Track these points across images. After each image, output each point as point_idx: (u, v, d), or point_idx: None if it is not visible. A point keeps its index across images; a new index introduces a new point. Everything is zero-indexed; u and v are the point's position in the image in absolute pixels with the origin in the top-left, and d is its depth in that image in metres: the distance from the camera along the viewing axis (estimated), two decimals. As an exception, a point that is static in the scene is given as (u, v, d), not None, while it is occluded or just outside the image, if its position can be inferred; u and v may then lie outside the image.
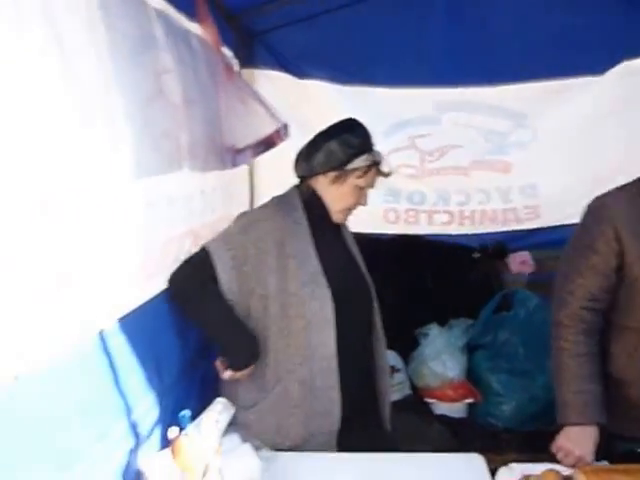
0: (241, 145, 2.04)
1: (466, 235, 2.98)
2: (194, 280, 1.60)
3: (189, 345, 1.76)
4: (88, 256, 1.10)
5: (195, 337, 1.79)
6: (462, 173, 2.92)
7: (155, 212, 1.45)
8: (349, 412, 1.63)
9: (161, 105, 1.48)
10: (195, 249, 1.67)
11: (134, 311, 1.36)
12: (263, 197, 2.14)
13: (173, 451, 1.31)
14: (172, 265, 1.61)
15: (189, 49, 1.75)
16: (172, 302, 1.61)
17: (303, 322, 1.58)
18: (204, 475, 1.35)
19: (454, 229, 2.98)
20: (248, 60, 2.66)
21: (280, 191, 1.74)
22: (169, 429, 1.29)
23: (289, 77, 2.77)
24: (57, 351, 1.01)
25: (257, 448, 1.55)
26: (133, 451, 1.35)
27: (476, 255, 2.99)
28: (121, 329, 1.28)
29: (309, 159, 1.65)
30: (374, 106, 2.76)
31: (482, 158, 2.90)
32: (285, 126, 2.08)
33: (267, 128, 2.02)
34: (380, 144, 1.73)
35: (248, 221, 1.65)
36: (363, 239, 1.94)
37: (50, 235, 0.97)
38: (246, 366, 1.61)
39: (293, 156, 1.71)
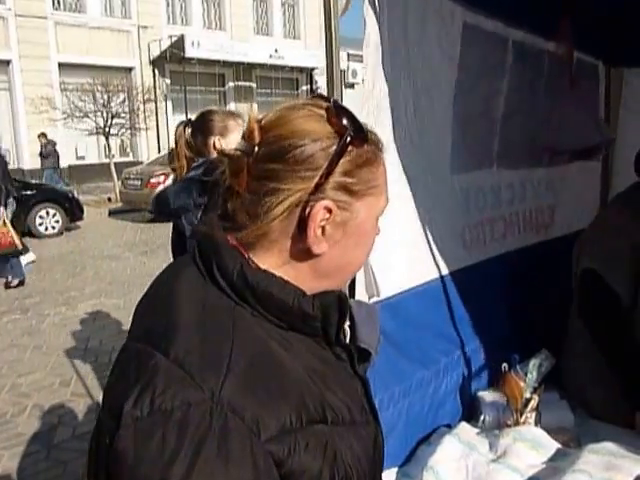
0: (561, 148, 2.31)
1: None
2: None
3: (510, 306, 2.08)
4: (425, 224, 1.68)
5: (515, 304, 2.10)
6: None
7: (467, 198, 1.95)
8: None
9: (482, 121, 1.97)
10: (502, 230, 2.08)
11: (459, 270, 1.86)
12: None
13: (502, 382, 1.71)
14: (485, 242, 2.05)
15: (535, 67, 2.16)
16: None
17: None
18: (524, 406, 1.73)
19: None
20: (618, 59, 2.70)
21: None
22: (502, 365, 1.68)
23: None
24: (414, 282, 1.62)
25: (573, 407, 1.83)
26: (466, 376, 1.84)
27: None
28: (452, 279, 1.81)
29: None
30: None
31: None
32: (609, 141, 2.28)
33: (591, 140, 2.24)
34: None
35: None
36: None
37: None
38: None
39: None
